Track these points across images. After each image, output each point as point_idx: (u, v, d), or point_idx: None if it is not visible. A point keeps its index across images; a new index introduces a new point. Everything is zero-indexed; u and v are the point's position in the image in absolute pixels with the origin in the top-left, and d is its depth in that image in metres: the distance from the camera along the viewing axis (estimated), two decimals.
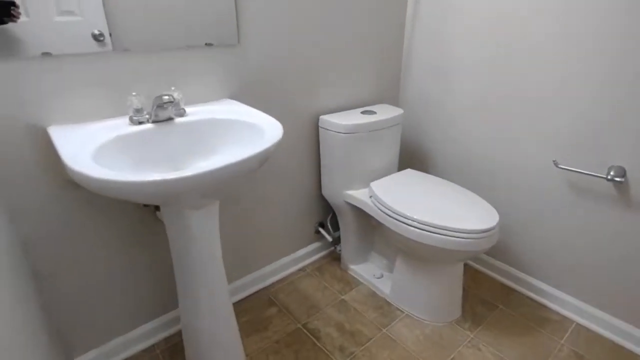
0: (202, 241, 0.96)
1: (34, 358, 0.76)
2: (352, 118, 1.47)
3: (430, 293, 1.41)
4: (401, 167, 1.84)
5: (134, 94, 0.96)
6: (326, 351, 1.31)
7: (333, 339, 1.36)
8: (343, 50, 1.50)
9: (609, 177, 1.19)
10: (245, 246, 1.51)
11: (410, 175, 1.57)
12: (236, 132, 1.02)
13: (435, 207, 1.31)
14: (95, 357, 1.20)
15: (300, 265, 1.74)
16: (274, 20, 1.25)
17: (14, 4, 0.81)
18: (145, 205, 1.14)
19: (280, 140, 0.90)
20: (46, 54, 0.87)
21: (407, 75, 1.78)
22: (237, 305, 1.51)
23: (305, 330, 1.40)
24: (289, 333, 1.39)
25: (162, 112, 0.97)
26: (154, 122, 0.97)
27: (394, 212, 1.30)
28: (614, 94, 1.17)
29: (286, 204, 1.58)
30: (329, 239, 1.73)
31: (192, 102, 1.15)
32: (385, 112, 1.55)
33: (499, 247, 1.62)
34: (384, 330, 1.40)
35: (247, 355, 1.29)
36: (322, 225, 1.77)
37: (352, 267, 1.70)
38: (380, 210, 1.37)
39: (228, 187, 0.98)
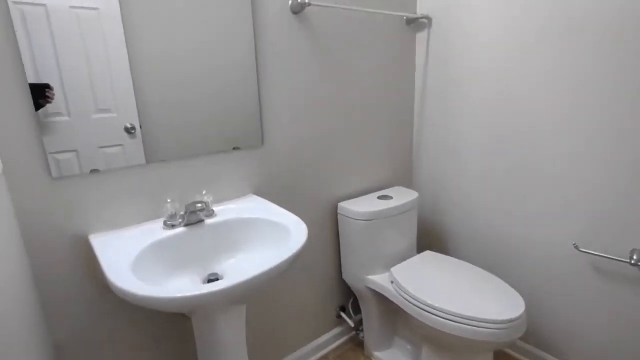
0: (228, 344, 0.97)
1: None
2: (370, 205, 1.52)
3: None
4: (420, 248, 1.85)
5: (169, 200, 1.04)
6: None
7: None
8: (357, 133, 1.59)
9: (632, 261, 1.18)
10: (267, 335, 1.49)
11: (430, 258, 1.58)
12: (259, 230, 1.10)
13: (460, 294, 1.30)
14: None
15: (323, 352, 1.68)
16: (292, 117, 1.36)
17: (48, 87, 0.84)
18: None
19: (307, 242, 0.95)
20: (94, 171, 0.98)
21: (419, 156, 1.86)
22: None
23: None
24: None
25: (194, 217, 1.05)
26: (185, 225, 1.05)
27: (418, 301, 1.29)
28: (630, 174, 1.21)
29: (307, 289, 1.58)
30: (351, 324, 1.70)
31: (220, 200, 1.23)
32: (401, 197, 1.60)
33: (528, 330, 1.56)
34: None
35: None
36: (344, 309, 1.74)
37: (377, 354, 1.64)
38: (403, 297, 1.36)
39: (258, 292, 1.01)
